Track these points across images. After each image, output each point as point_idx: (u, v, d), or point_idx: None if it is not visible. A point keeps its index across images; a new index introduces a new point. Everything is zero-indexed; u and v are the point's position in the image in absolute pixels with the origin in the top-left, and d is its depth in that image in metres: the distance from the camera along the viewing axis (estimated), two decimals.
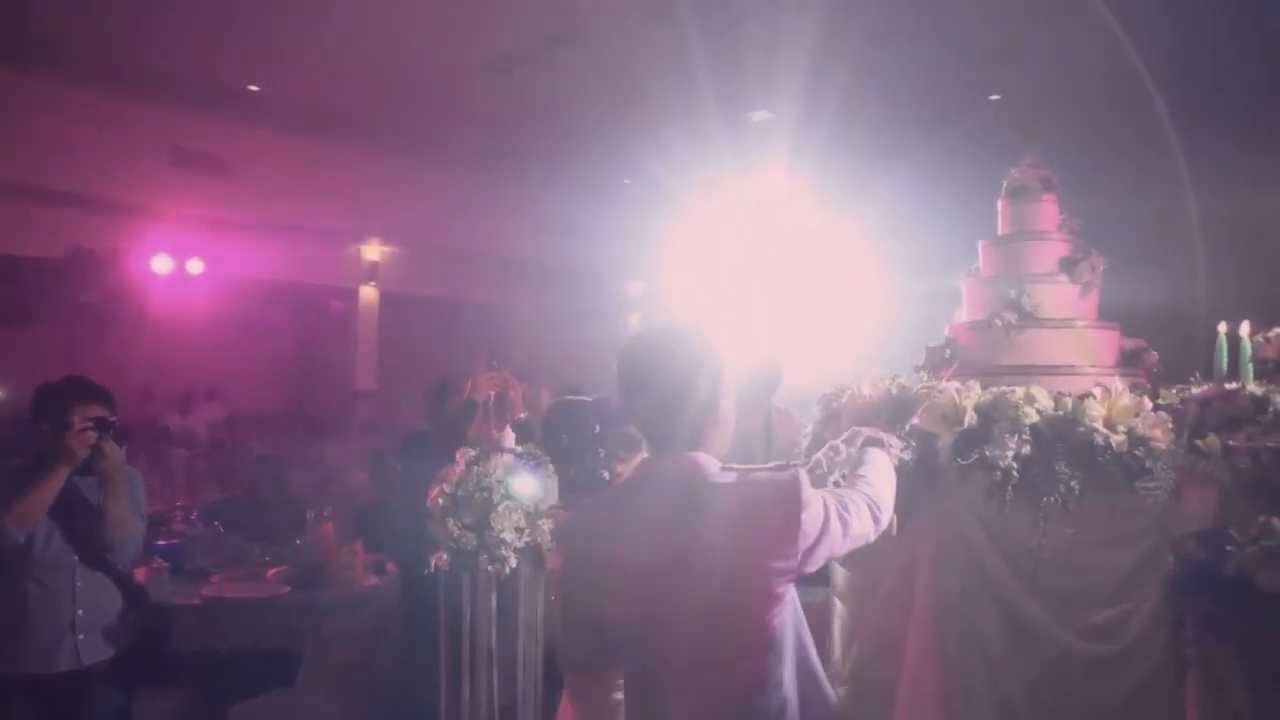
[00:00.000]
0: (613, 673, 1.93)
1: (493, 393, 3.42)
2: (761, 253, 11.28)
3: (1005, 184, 2.95)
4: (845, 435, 2.07)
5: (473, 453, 2.71)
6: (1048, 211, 2.84)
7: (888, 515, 1.79)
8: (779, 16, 6.65)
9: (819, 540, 1.55)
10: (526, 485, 2.05)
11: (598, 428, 2.06)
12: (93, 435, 2.76)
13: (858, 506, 1.66)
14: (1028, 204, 2.85)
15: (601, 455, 2.05)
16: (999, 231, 2.95)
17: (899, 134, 9.06)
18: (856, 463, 1.93)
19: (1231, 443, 1.89)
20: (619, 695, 1.97)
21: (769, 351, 4.51)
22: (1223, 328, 2.08)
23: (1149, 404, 2.23)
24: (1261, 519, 1.89)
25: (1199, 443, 2.19)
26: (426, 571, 2.86)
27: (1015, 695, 2.27)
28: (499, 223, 10.23)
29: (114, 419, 2.85)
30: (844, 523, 1.60)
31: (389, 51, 7.39)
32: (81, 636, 2.83)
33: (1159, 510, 2.17)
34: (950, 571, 2.34)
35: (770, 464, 1.66)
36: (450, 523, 2.58)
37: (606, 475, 2.04)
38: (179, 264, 8.69)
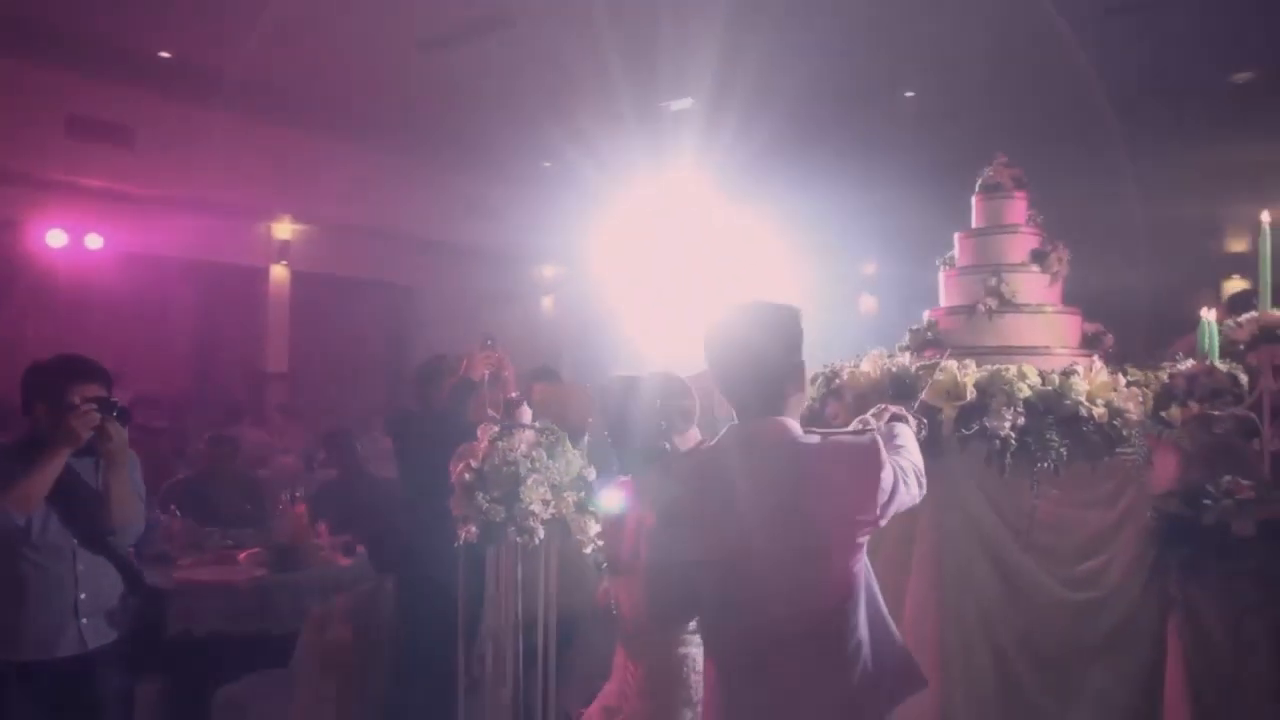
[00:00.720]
0: (684, 628, 2.09)
1: (487, 372, 3.51)
2: (678, 239, 11.52)
3: (979, 181, 3.23)
4: (873, 411, 2.26)
5: (495, 429, 2.80)
6: (1018, 207, 3.14)
7: (924, 483, 2.00)
8: (698, 4, 6.79)
9: (892, 496, 1.75)
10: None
11: (659, 402, 2.19)
12: (96, 416, 2.70)
13: (906, 473, 1.86)
14: (1000, 200, 3.15)
15: (664, 428, 2.19)
16: (973, 224, 3.23)
17: (813, 124, 9.44)
18: (889, 436, 2.13)
19: (1216, 412, 2.21)
20: (683, 650, 2.13)
21: None
22: (1205, 314, 2.40)
23: (1123, 380, 2.55)
24: (1228, 478, 2.22)
25: (1163, 414, 2.53)
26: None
27: (1008, 644, 2.55)
28: (415, 203, 10.10)
29: (115, 399, 2.79)
30: (905, 485, 1.81)
31: (308, 23, 7.18)
32: (85, 620, 2.77)
33: (1135, 473, 2.48)
34: (949, 533, 2.60)
35: (848, 428, 1.85)
36: (480, 496, 2.66)
37: (668, 446, 2.19)
38: (76, 239, 8.22)
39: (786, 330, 1.82)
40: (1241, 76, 7.61)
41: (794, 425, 1.78)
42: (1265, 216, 2.34)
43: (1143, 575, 2.48)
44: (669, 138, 9.62)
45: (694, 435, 2.23)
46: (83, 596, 2.78)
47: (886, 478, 1.73)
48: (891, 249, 10.88)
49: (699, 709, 2.07)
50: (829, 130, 9.52)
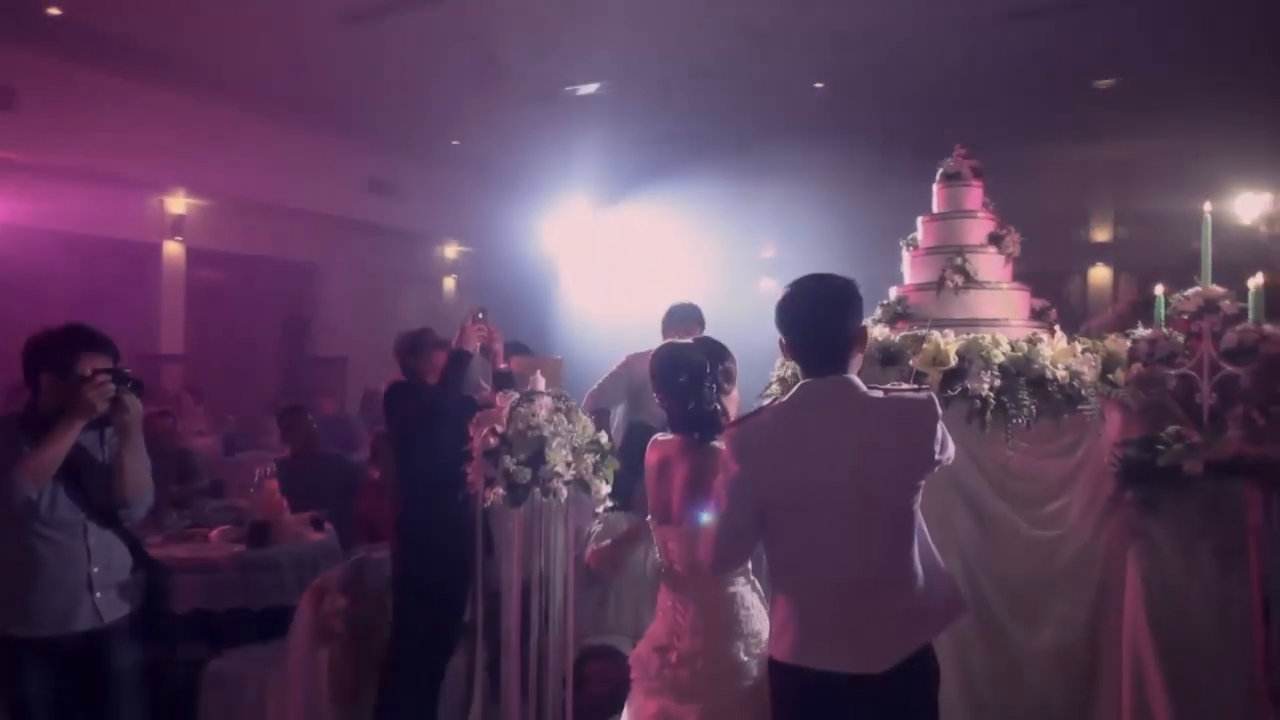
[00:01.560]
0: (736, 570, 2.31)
1: (479, 344, 3.62)
2: (586, 224, 11.70)
3: (940, 170, 3.58)
4: (888, 386, 2.52)
5: (516, 396, 2.93)
6: (976, 194, 3.51)
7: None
8: None
9: (944, 446, 2.03)
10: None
11: (707, 366, 2.39)
12: (112, 387, 2.67)
13: (946, 432, 2.12)
14: (960, 188, 3.51)
15: (714, 389, 2.39)
16: (935, 209, 3.58)
17: (718, 114, 9.77)
18: None
19: (1171, 370, 2.61)
20: (732, 589, 2.36)
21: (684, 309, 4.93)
22: (1158, 290, 2.81)
23: (1079, 347, 2.94)
24: (1173, 428, 2.63)
25: (1109, 376, 2.94)
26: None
27: (983, 578, 2.91)
28: (318, 178, 9.84)
29: (128, 370, 2.76)
30: (949, 439, 2.08)
31: None
32: (99, 594, 2.74)
33: (1090, 426, 2.88)
34: (933, 485, 2.92)
35: (905, 386, 2.12)
36: (507, 459, 2.80)
37: (718, 407, 2.39)
38: None
39: (850, 299, 2.07)
40: (1104, 83, 8.37)
41: (859, 381, 2.04)
42: (1207, 206, 2.76)
43: (1095, 513, 2.89)
44: (576, 122, 9.76)
45: (735, 396, 2.46)
46: (95, 571, 2.74)
47: (940, 429, 2.01)
48: (790, 233, 11.39)
49: (749, 640, 2.31)
50: (733, 118, 9.87)
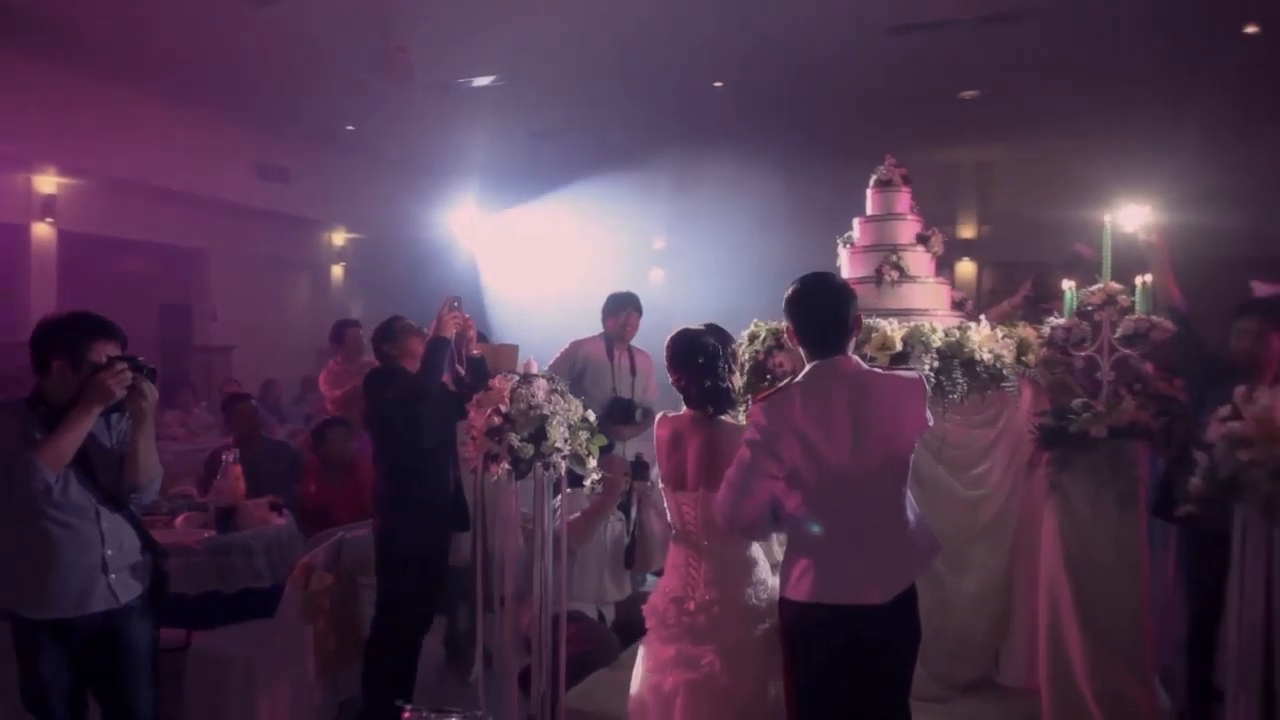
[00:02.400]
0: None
1: (455, 331, 3.83)
2: (480, 212, 11.77)
3: (874, 177, 4.05)
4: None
5: (515, 378, 3.19)
6: (905, 199, 4.00)
7: None
8: None
9: (928, 413, 2.46)
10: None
11: (719, 349, 2.72)
12: (129, 374, 2.75)
13: None
14: (892, 193, 3.99)
15: (726, 369, 2.73)
16: (869, 212, 4.05)
17: (611, 107, 10.07)
18: None
19: (1081, 353, 3.16)
20: (742, 545, 2.71)
21: (627, 302, 5.25)
22: (1066, 285, 3.35)
23: (1000, 333, 3.47)
24: (1080, 400, 3.18)
25: (1023, 359, 3.48)
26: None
27: None
28: (202, 160, 9.53)
29: (140, 357, 2.84)
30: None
31: None
32: (113, 576, 2.83)
33: (1009, 400, 3.41)
34: None
35: (899, 368, 2.54)
36: (512, 436, 3.06)
37: (726, 385, 2.73)
38: None
39: (848, 293, 2.47)
40: (968, 93, 9.22)
41: (859, 360, 2.43)
42: (1108, 217, 3.32)
43: (1013, 475, 3.43)
44: (472, 111, 9.86)
45: (736, 376, 2.82)
46: (109, 553, 2.83)
47: (926, 400, 2.44)
48: (680, 225, 11.87)
49: (757, 587, 2.67)
50: (630, 112, 10.19)
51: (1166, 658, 3.73)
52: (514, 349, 4.49)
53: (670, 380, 2.84)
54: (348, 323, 5.70)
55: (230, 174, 9.85)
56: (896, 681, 2.46)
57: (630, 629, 3.98)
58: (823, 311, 2.44)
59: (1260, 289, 4.69)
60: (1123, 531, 3.09)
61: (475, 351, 3.92)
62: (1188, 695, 3.84)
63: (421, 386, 3.62)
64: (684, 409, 2.81)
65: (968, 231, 10.94)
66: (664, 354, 2.81)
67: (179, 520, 3.94)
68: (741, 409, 2.98)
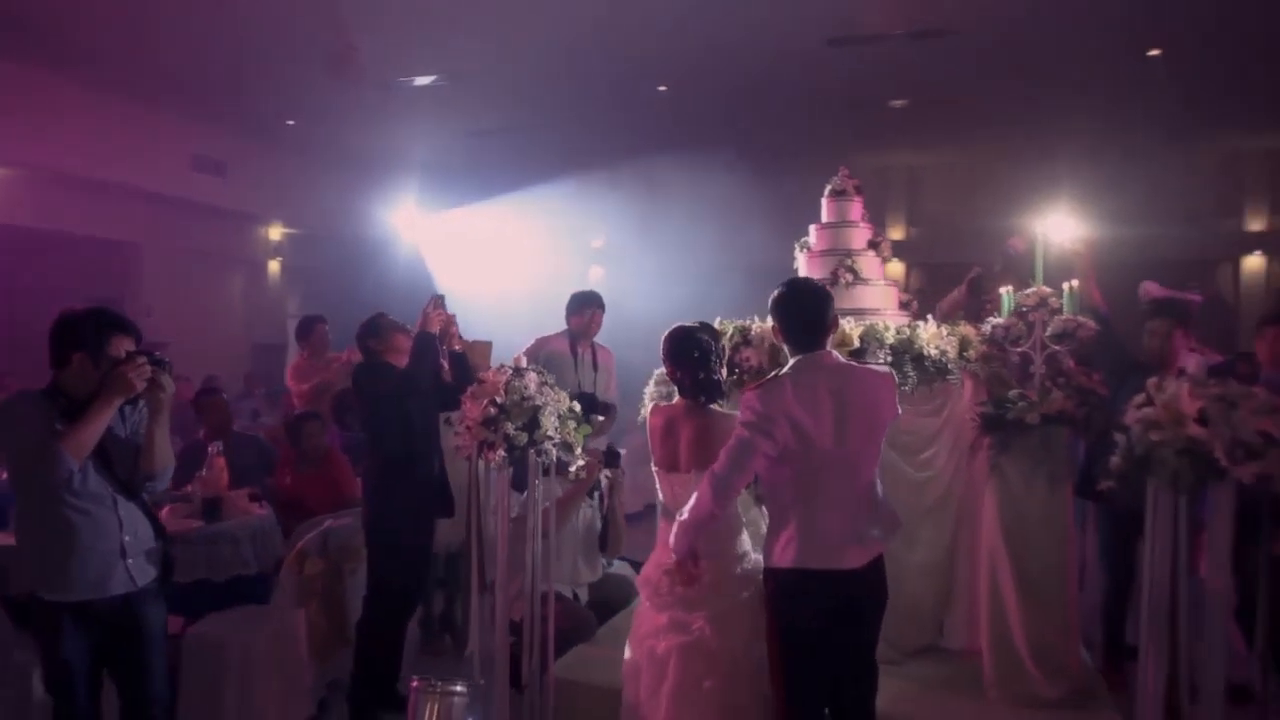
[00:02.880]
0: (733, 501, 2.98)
1: (439, 328, 4.05)
2: (421, 210, 11.83)
3: (829, 187, 4.41)
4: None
5: (510, 371, 3.44)
6: (858, 208, 4.37)
7: None
8: None
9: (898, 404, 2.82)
10: None
11: (711, 345, 3.03)
12: (149, 368, 2.91)
13: None
14: (845, 202, 4.36)
15: (717, 362, 3.03)
16: (824, 219, 4.41)
17: (559, 110, 10.29)
18: None
19: (1017, 349, 3.56)
20: (728, 522, 3.02)
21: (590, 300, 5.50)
22: (1004, 290, 3.75)
23: (944, 331, 3.86)
24: (1016, 390, 3.59)
25: (965, 354, 3.88)
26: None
27: None
28: (136, 151, 9.41)
29: (158, 352, 3.00)
30: None
31: None
32: (131, 560, 2.98)
33: (953, 392, 3.81)
34: None
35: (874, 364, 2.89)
36: (508, 425, 3.31)
37: (718, 378, 3.04)
38: None
39: (826, 296, 2.81)
40: (898, 102, 9.76)
41: (837, 355, 2.77)
42: (1039, 227, 3.74)
43: (956, 459, 3.83)
44: (415, 110, 9.95)
45: (724, 370, 3.13)
46: (127, 539, 2.98)
47: (896, 392, 2.80)
48: (619, 225, 12.17)
49: (742, 560, 2.99)
50: (566, 115, 10.41)
51: (1086, 624, 4.20)
52: (487, 345, 4.74)
53: (665, 371, 3.13)
54: (314, 319, 5.82)
55: (166, 166, 9.74)
56: (868, 638, 2.82)
57: (603, 608, 4.28)
58: (806, 312, 2.78)
59: (1152, 289, 5.23)
60: (1053, 507, 3.51)
61: (456, 347, 4.14)
62: (1105, 653, 4.33)
63: (412, 380, 3.83)
64: (675, 399, 3.11)
65: (897, 233, 11.52)
66: (661, 348, 3.10)
67: (164, 511, 4.05)
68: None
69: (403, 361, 3.95)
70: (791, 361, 2.79)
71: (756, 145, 10.83)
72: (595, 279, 12.57)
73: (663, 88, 9.19)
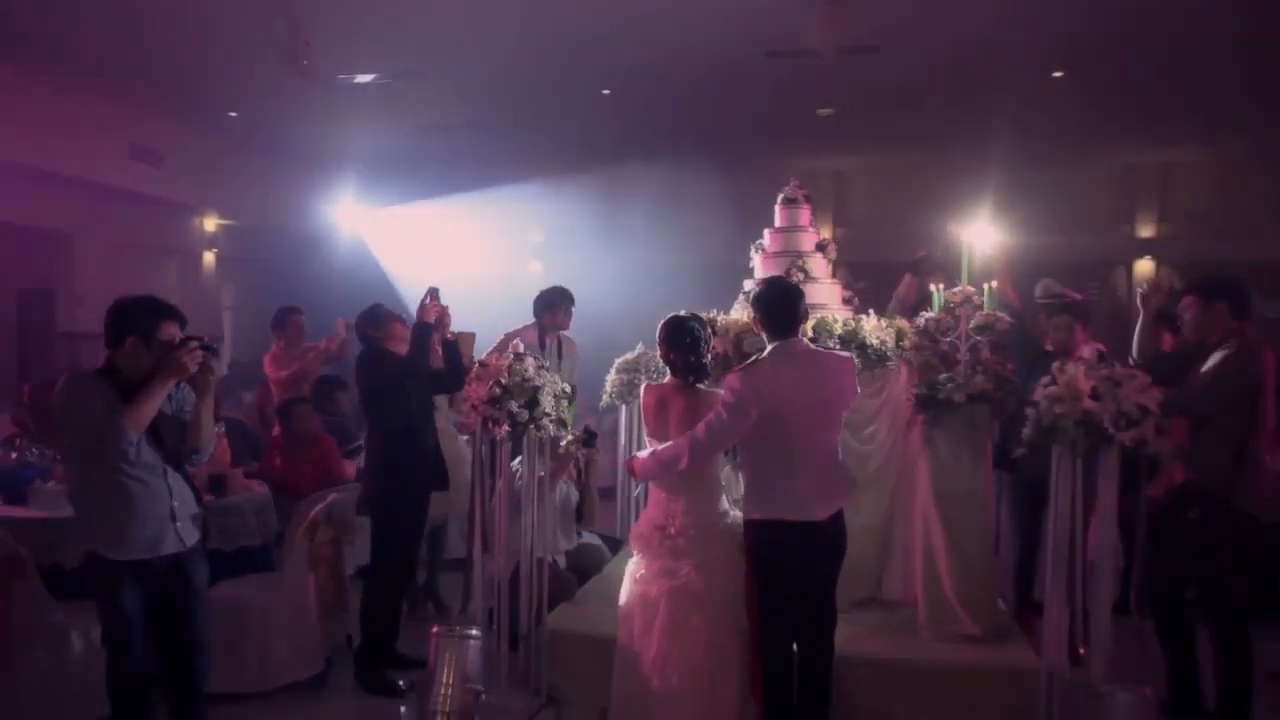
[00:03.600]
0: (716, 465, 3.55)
1: (435, 317, 4.50)
2: (363, 204, 12.07)
3: (781, 195, 5.03)
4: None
5: (512, 355, 3.93)
6: (806, 213, 5.00)
7: None
8: None
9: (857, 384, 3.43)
10: None
11: (702, 333, 3.58)
12: (201, 353, 3.31)
13: None
14: (796, 209, 4.98)
15: (705, 349, 3.59)
16: (777, 224, 5.02)
17: (503, 108, 10.69)
18: None
19: (945, 339, 4.23)
20: (709, 483, 3.59)
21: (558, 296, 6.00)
22: (934, 286, 4.41)
23: (884, 323, 4.51)
24: (945, 374, 4.26)
25: (901, 344, 4.54)
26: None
27: None
28: (72, 139, 9.44)
29: (205, 337, 3.40)
30: None
31: None
32: (179, 523, 3.39)
33: (890, 376, 4.47)
34: None
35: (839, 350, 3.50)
36: (512, 404, 3.81)
37: (706, 362, 3.59)
38: None
39: (799, 293, 3.41)
40: (825, 111, 10.49)
41: (806, 341, 3.37)
42: (963, 232, 4.41)
43: (894, 435, 4.48)
44: (358, 105, 10.21)
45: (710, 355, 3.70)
46: (176, 504, 3.38)
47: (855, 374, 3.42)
48: (558, 222, 12.66)
49: (723, 515, 3.56)
50: (510, 112, 10.81)
51: (1000, 584, 4.92)
52: (471, 335, 5.20)
53: (659, 354, 3.68)
54: (290, 309, 6.16)
55: (103, 155, 9.78)
56: (830, 579, 3.43)
57: (579, 573, 4.82)
58: (784, 306, 3.38)
59: (1051, 286, 5.99)
60: (976, 475, 4.19)
61: (449, 335, 4.59)
62: (1016, 609, 5.06)
63: (412, 365, 4.28)
64: (666, 378, 3.67)
65: (824, 232, 12.25)
66: (657, 334, 3.65)
67: None
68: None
69: (400, 348, 4.40)
70: (769, 347, 3.38)
71: (692, 147, 11.46)
72: (535, 272, 13.01)
73: (606, 91, 9.70)
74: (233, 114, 10.31)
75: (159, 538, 3.33)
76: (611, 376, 5.59)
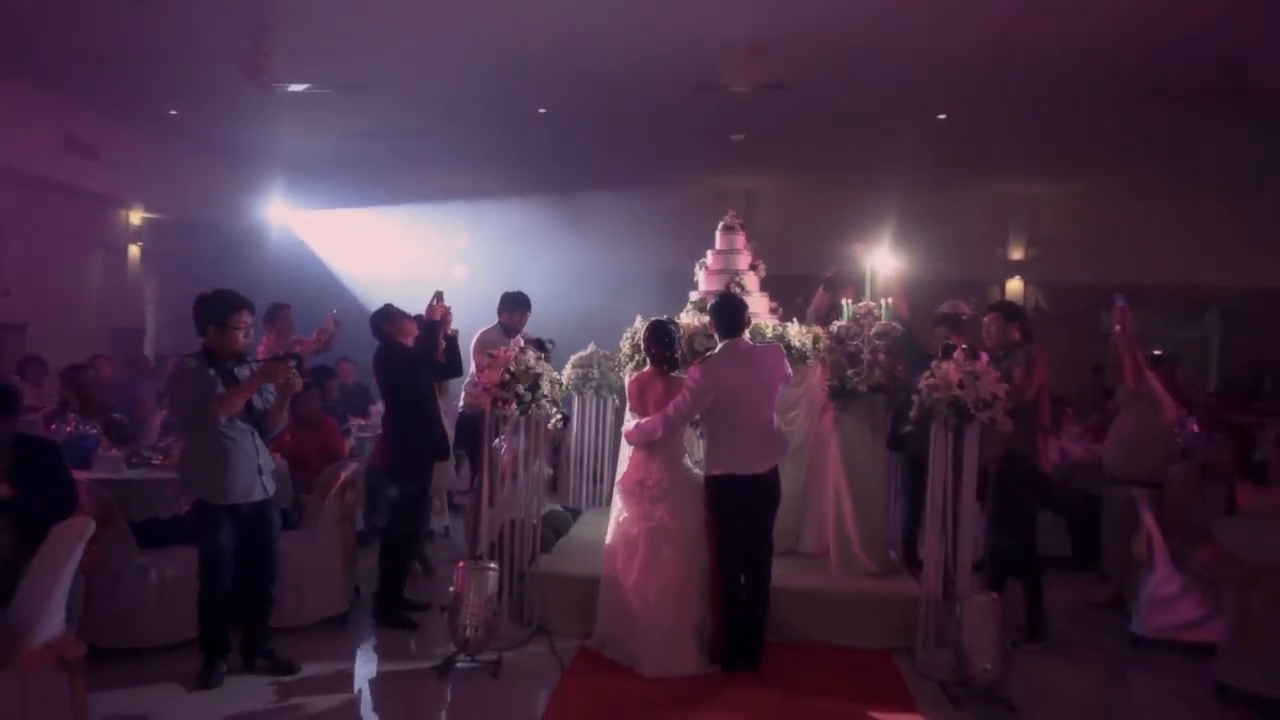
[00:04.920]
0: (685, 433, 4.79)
1: (440, 315, 5.56)
2: (295, 206, 12.79)
3: (721, 223, 6.34)
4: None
5: (518, 346, 5.07)
6: (742, 239, 6.32)
7: None
8: None
9: (789, 367, 4.74)
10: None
11: (676, 334, 4.82)
12: (291, 367, 4.35)
13: None
14: (733, 234, 6.31)
15: (677, 345, 4.81)
16: (718, 247, 6.32)
17: (439, 118, 11.63)
18: None
19: (852, 343, 5.59)
20: (677, 447, 4.83)
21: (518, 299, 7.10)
22: (845, 301, 5.76)
23: (804, 330, 5.86)
24: (851, 371, 5.63)
25: (815, 346, 5.90)
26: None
27: None
28: (7, 130, 9.88)
29: (296, 351, 4.44)
30: None
31: None
32: (264, 477, 4.40)
33: (808, 371, 5.82)
34: None
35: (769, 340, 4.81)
36: (519, 387, 4.94)
37: (678, 355, 4.81)
38: None
39: (744, 304, 4.70)
40: (736, 136, 11.90)
41: (747, 339, 4.67)
42: (866, 257, 5.79)
43: (811, 419, 5.83)
44: (300, 110, 10.96)
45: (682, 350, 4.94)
46: (261, 462, 4.40)
47: (785, 358, 4.73)
48: (483, 229, 13.69)
49: (690, 470, 4.81)
50: (445, 128, 11.74)
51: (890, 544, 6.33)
52: (455, 333, 6.26)
53: (643, 348, 4.90)
54: (280, 305, 7.02)
55: (39, 147, 10.21)
56: (769, 518, 4.72)
57: (554, 532, 5.99)
58: (732, 313, 4.66)
59: (957, 305, 7.47)
60: (875, 451, 5.59)
61: (450, 332, 5.66)
62: (903, 563, 6.49)
63: (424, 356, 5.35)
64: (646, 367, 4.90)
65: None
66: (643, 332, 4.89)
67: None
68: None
69: (408, 342, 5.44)
70: (721, 345, 4.67)
71: (614, 165, 12.72)
72: (459, 275, 13.96)
73: (542, 110, 10.83)
74: (173, 111, 10.91)
75: (250, 487, 4.34)
76: (568, 371, 6.75)
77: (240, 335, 4.37)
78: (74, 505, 3.92)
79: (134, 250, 12.49)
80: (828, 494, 5.71)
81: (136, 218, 12.45)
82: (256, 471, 4.37)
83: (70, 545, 3.47)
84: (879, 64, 8.88)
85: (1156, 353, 13.52)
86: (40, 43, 8.96)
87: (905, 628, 5.06)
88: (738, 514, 4.60)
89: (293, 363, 4.36)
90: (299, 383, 4.43)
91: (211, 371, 4.26)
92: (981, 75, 9.06)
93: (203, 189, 12.17)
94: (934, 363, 4.95)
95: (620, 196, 12.91)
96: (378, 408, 7.46)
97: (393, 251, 13.23)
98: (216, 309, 4.36)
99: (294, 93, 10.34)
